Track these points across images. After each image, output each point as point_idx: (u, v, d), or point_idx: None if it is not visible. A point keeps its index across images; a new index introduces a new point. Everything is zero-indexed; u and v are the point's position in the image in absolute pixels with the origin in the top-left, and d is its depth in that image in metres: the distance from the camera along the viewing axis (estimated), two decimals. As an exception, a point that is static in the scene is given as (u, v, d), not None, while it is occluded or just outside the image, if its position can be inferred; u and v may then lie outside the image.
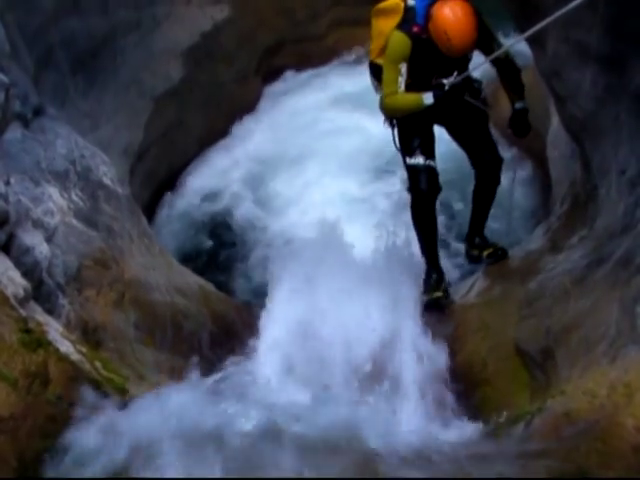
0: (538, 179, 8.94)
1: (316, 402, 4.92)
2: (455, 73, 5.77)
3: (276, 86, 12.01)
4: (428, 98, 5.81)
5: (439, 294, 6.60)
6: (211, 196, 10.08)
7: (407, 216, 6.63)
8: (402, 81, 5.85)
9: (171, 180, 10.09)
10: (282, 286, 6.81)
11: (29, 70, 6.62)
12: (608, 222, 5.11)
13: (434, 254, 6.69)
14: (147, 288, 6.09)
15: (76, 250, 5.40)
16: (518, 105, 6.30)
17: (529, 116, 6.40)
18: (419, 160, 6.19)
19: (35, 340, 3.88)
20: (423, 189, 6.21)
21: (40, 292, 4.71)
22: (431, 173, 6.22)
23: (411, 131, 6.27)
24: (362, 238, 7.46)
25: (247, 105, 11.42)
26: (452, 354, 6.03)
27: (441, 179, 6.37)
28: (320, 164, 10.13)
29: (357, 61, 11.95)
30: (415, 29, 5.80)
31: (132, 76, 9.17)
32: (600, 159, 5.36)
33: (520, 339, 5.35)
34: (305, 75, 12.21)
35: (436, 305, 6.61)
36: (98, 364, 4.34)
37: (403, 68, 5.83)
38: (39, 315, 4.33)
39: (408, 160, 6.28)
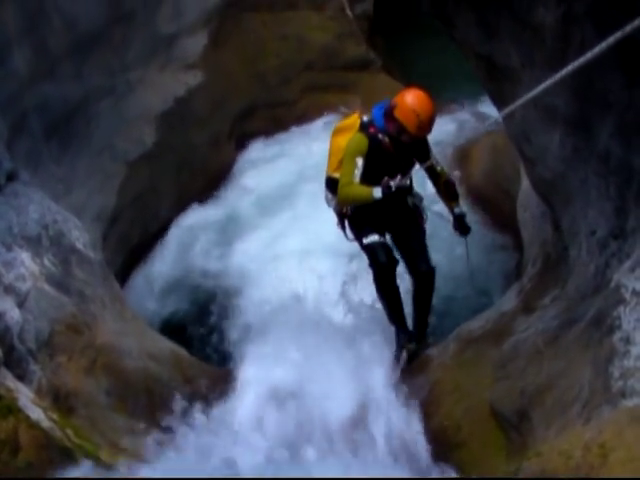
0: (509, 241, 9.03)
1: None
2: (399, 176, 6.22)
3: (249, 150, 12.08)
4: (377, 192, 6.23)
5: (410, 346, 6.85)
6: (183, 262, 10.03)
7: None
8: (358, 174, 6.34)
9: (144, 245, 10.05)
10: (254, 350, 6.84)
11: (3, 135, 6.65)
12: (579, 282, 5.15)
13: (400, 318, 6.94)
14: (119, 354, 6.05)
15: (48, 315, 5.37)
16: (457, 210, 6.81)
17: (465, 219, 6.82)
18: (374, 238, 6.60)
19: (5, 407, 3.83)
20: (383, 262, 6.57)
21: (11, 358, 4.66)
22: (387, 248, 6.65)
23: (363, 221, 6.70)
24: (334, 300, 7.51)
25: (220, 169, 11.47)
26: (426, 417, 6.02)
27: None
28: (295, 228, 10.14)
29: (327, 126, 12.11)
30: (372, 130, 6.42)
31: (106, 141, 9.20)
32: (570, 220, 5.42)
33: (495, 401, 5.34)
34: (276, 140, 12.28)
35: (409, 357, 6.82)
36: (69, 431, 4.29)
37: (360, 162, 6.34)
38: (10, 381, 4.28)
39: (364, 241, 6.65)
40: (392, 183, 6.19)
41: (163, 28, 10.61)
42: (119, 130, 9.51)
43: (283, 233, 10.17)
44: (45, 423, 4.05)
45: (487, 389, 5.54)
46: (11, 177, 6.01)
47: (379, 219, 6.65)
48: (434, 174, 6.73)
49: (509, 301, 6.67)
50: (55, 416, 4.32)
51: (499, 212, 9.21)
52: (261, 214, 10.66)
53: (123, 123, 9.61)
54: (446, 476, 5.42)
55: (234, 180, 11.52)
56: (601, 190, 4.80)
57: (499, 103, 6.07)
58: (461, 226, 6.77)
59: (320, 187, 10.12)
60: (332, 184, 6.76)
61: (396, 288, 6.78)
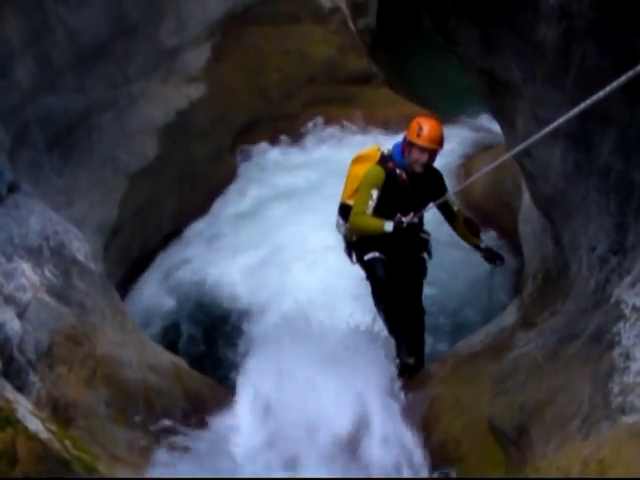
0: (511, 255, 9.02)
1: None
2: (412, 214, 6.31)
3: (250, 164, 12.09)
4: (389, 226, 6.32)
5: (410, 360, 6.92)
6: (185, 274, 10.02)
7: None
8: (371, 205, 6.46)
9: (145, 257, 10.05)
10: (254, 363, 6.86)
11: (5, 146, 6.65)
12: (580, 298, 5.15)
13: (400, 330, 6.99)
14: (119, 365, 6.04)
15: (48, 326, 5.36)
16: (483, 245, 6.78)
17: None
18: (375, 254, 6.68)
19: (4, 418, 3.82)
20: (380, 276, 6.64)
21: (10, 368, 4.66)
22: (386, 264, 6.68)
23: (368, 246, 6.74)
24: (333, 313, 7.53)
25: (221, 182, 11.48)
26: (426, 432, 6.01)
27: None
28: (294, 243, 10.14)
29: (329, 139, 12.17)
30: (390, 164, 6.50)
31: (107, 153, 9.21)
32: (571, 235, 5.43)
33: (494, 416, 5.33)
34: (278, 152, 12.30)
35: (408, 370, 6.91)
36: (68, 443, 4.27)
37: (375, 194, 6.45)
38: (9, 392, 4.27)
39: (365, 257, 6.75)
40: (404, 219, 6.28)
41: (166, 41, 10.64)
42: (121, 143, 9.52)
43: (283, 245, 10.17)
44: (44, 434, 4.03)
45: (486, 404, 5.53)
46: (12, 188, 6.01)
47: (385, 250, 6.69)
48: (451, 214, 6.77)
49: (509, 316, 6.67)
50: (54, 427, 4.30)
51: (500, 226, 9.21)
52: (264, 226, 10.67)
53: (125, 136, 9.62)
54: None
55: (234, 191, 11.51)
56: (601, 205, 4.80)
57: (500, 117, 6.10)
58: (494, 255, 6.70)
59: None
60: (345, 211, 6.83)
61: (395, 300, 6.81)
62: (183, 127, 10.74)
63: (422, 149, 6.33)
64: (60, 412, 5.02)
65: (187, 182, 10.76)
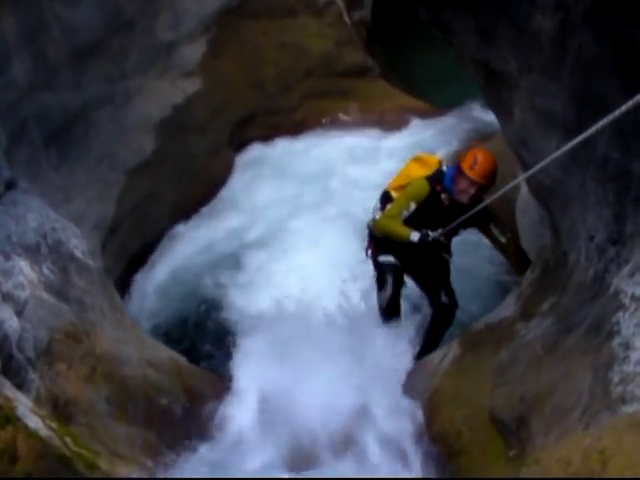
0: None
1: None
2: (440, 230, 6.54)
3: (247, 158, 12.06)
4: (415, 236, 6.53)
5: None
6: (183, 268, 10.01)
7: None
8: (405, 215, 6.68)
9: (143, 253, 10.04)
10: (254, 358, 6.86)
11: (2, 144, 6.65)
12: (578, 288, 5.14)
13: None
14: (119, 362, 6.03)
15: (47, 324, 5.36)
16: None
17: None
18: (390, 259, 6.94)
19: (4, 416, 3.82)
20: (390, 280, 6.91)
21: (10, 366, 4.65)
22: (398, 270, 6.98)
23: (388, 248, 6.97)
24: (334, 307, 7.53)
25: (219, 177, 11.47)
26: (427, 423, 6.01)
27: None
28: (292, 239, 10.14)
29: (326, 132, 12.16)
30: (438, 187, 6.67)
31: (105, 149, 9.21)
32: (569, 225, 5.42)
33: (494, 407, 5.33)
34: (274, 147, 12.28)
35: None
36: (68, 440, 4.27)
37: (412, 207, 6.65)
38: (8, 390, 4.27)
39: (380, 258, 7.01)
40: (431, 234, 6.50)
41: (162, 36, 10.62)
42: (118, 139, 9.52)
43: (283, 241, 10.17)
44: (44, 432, 4.03)
45: (487, 395, 5.53)
46: (10, 185, 6.01)
47: (406, 258, 6.91)
48: (500, 245, 6.98)
49: (508, 307, 6.66)
50: (54, 425, 4.31)
51: (497, 217, 9.18)
52: (259, 223, 10.66)
53: (122, 132, 9.61)
54: (446, 476, 5.43)
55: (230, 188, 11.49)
56: (599, 196, 4.79)
57: (497, 108, 6.08)
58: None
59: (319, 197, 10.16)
60: (385, 198, 7.02)
61: (399, 306, 7.04)
62: (180, 122, 10.73)
63: (472, 182, 6.47)
64: (60, 409, 5.01)
65: (185, 177, 10.75)
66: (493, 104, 6.22)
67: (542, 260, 6.39)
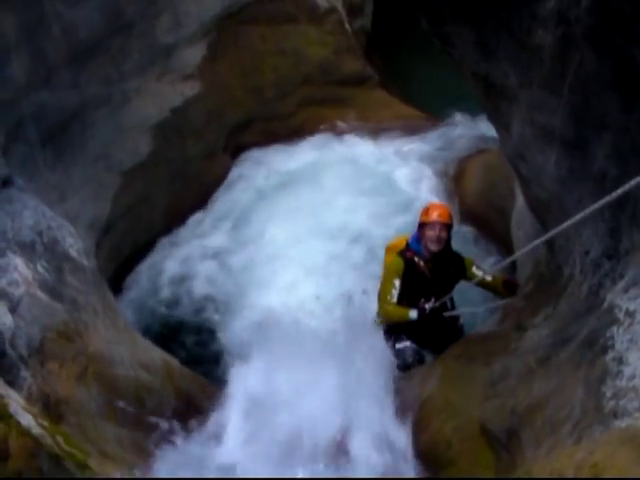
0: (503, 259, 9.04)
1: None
2: (433, 299, 6.81)
3: (243, 163, 12.04)
4: (413, 314, 6.83)
5: None
6: (176, 273, 10.00)
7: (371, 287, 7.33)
8: (395, 294, 6.96)
9: (137, 254, 10.02)
10: (245, 363, 6.86)
11: (-2, 141, 6.65)
12: (572, 302, 5.16)
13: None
14: (111, 362, 6.03)
15: (40, 322, 5.35)
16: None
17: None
18: (406, 344, 7.12)
19: (-5, 413, 3.81)
20: (409, 364, 7.06)
21: (2, 363, 4.65)
22: (417, 353, 7.13)
23: (401, 331, 7.19)
24: (326, 315, 7.54)
25: (214, 181, 11.46)
26: (416, 434, 6.01)
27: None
28: (286, 241, 10.13)
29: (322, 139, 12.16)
30: (409, 254, 7.03)
31: (101, 150, 9.20)
32: (564, 239, 5.44)
33: (485, 419, 5.34)
34: (269, 153, 12.24)
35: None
36: (59, 439, 4.25)
37: (397, 283, 6.96)
38: (0, 387, 4.26)
39: (397, 345, 7.14)
40: (427, 306, 6.78)
41: (161, 39, 10.61)
42: (114, 139, 9.51)
43: (272, 245, 10.17)
44: (36, 430, 4.02)
45: (477, 407, 5.54)
46: (6, 183, 6.01)
47: (418, 333, 7.12)
48: (489, 286, 7.15)
49: (502, 319, 6.68)
50: (45, 423, 4.29)
51: (493, 230, 9.22)
52: (253, 228, 10.66)
53: (119, 133, 9.60)
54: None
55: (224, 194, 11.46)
56: (595, 211, 4.81)
57: (496, 121, 6.10)
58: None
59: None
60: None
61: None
62: (177, 125, 10.72)
63: (432, 224, 6.83)
64: (51, 408, 5.01)
65: (179, 180, 10.74)
66: (492, 116, 6.25)
67: (536, 274, 6.41)
